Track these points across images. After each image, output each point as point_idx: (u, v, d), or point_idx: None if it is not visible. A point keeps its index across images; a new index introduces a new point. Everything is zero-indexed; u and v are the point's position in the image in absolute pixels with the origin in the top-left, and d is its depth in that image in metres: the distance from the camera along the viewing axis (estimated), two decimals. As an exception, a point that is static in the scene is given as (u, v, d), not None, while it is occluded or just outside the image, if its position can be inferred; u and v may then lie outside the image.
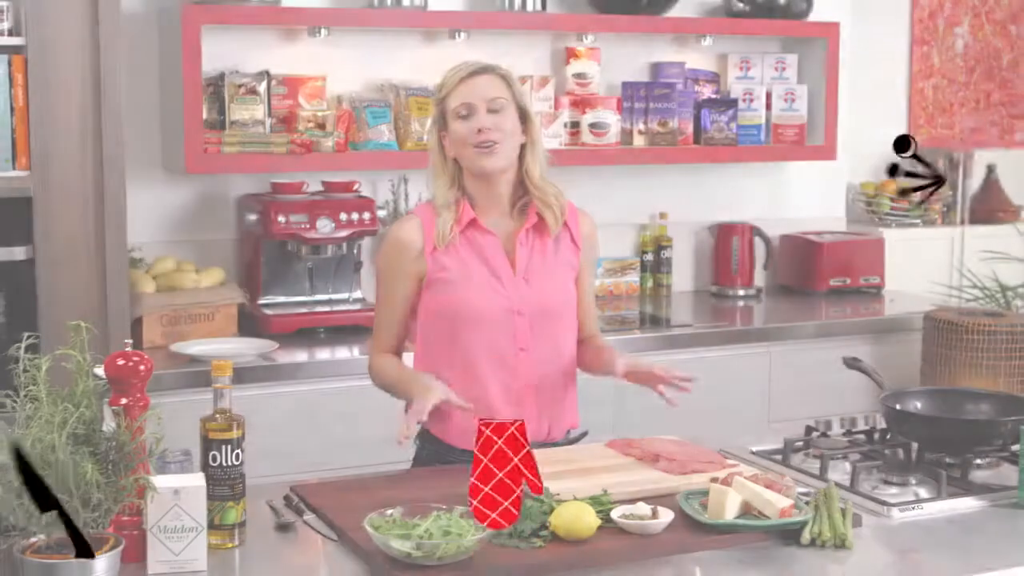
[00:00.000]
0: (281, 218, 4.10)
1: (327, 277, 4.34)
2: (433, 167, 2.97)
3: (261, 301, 4.24)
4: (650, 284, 5.06)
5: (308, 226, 4.13)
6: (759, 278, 5.15)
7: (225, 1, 4.12)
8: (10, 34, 3.45)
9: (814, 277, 5.08)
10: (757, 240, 5.10)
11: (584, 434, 3.09)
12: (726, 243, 5.05)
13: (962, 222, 5.75)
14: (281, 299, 4.29)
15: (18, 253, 3.47)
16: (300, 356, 3.92)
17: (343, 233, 4.18)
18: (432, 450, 2.99)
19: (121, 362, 2.25)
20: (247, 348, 3.89)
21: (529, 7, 4.63)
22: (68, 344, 2.09)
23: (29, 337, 1.99)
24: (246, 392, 3.75)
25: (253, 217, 4.16)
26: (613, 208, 5.01)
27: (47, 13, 3.41)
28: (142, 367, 2.26)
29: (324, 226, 4.15)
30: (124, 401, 2.24)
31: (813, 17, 5.06)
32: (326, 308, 4.28)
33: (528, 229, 2.94)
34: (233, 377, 2.37)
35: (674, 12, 4.83)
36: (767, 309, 4.91)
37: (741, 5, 4.93)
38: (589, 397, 4.10)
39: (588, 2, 4.78)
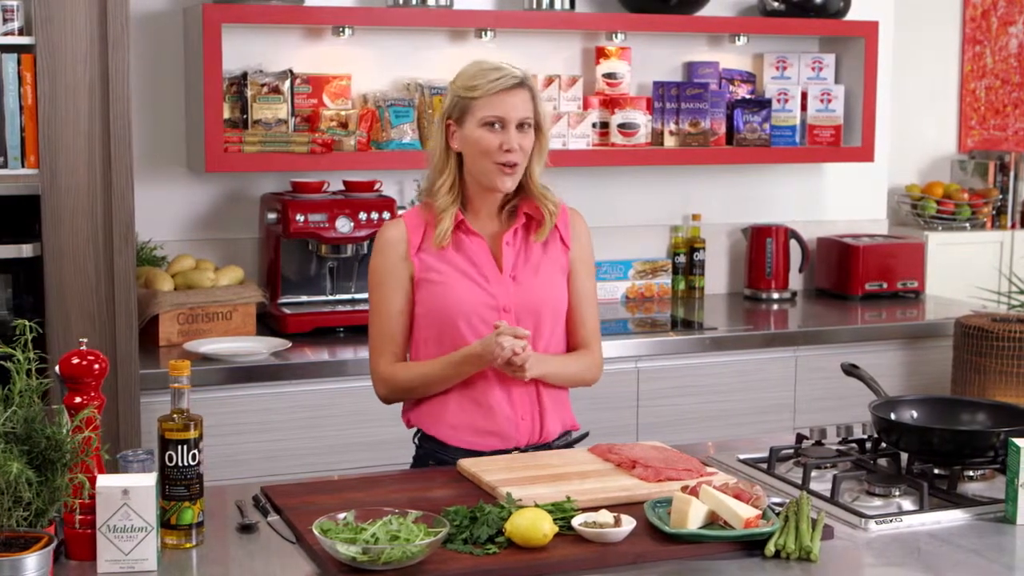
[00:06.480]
0: (299, 217, 4.10)
1: (348, 277, 4.34)
2: (434, 161, 2.92)
3: (281, 300, 4.25)
4: (682, 286, 4.99)
5: (327, 225, 4.13)
6: (794, 281, 5.06)
7: (248, 0, 4.13)
8: (20, 33, 3.48)
9: (850, 281, 4.97)
10: (793, 243, 5.00)
11: (585, 435, 3.04)
12: (760, 245, 4.95)
13: (1012, 226, 5.61)
14: (302, 298, 4.30)
15: (26, 250, 3.49)
16: (313, 356, 3.91)
17: (362, 233, 4.17)
18: (428, 448, 2.97)
19: (75, 360, 2.26)
20: (260, 347, 3.89)
21: (557, 6, 4.57)
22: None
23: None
24: (256, 391, 3.77)
25: (273, 216, 4.17)
26: (644, 209, 4.96)
27: (56, 12, 3.43)
28: (96, 366, 2.26)
29: (343, 225, 4.14)
30: (78, 400, 2.25)
31: (852, 16, 4.95)
32: (347, 308, 4.27)
33: (516, 229, 2.93)
34: (192, 377, 2.37)
35: (706, 11, 4.75)
36: (800, 313, 4.81)
37: (776, 4, 4.83)
38: (612, 399, 4.08)
39: (618, 1, 4.71)
